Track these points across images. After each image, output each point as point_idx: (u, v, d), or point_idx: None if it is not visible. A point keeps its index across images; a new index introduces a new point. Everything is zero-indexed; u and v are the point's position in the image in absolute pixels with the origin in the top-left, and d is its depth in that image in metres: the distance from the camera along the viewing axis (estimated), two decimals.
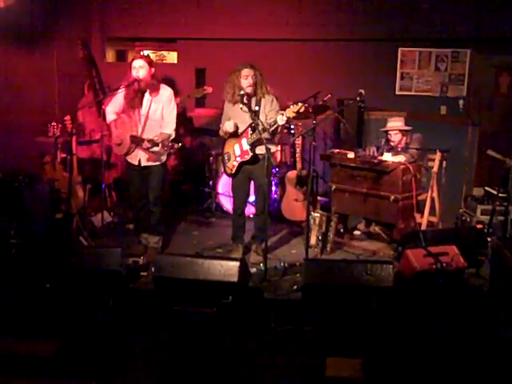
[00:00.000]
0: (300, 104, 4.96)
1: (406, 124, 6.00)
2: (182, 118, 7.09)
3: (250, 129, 5.26)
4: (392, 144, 5.96)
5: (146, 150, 5.26)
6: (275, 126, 5.08)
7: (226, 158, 5.49)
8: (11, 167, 6.20)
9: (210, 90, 6.72)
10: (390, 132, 6.00)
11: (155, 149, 5.20)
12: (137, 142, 5.25)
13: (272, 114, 5.24)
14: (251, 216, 6.13)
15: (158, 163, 5.39)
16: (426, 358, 3.82)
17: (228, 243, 5.77)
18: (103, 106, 6.32)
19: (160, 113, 5.30)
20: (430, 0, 7.32)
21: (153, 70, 5.26)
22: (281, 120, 5.02)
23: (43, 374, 3.63)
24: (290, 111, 4.98)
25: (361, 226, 6.31)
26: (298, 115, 5.11)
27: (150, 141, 5.13)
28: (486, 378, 3.64)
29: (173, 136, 5.28)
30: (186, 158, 7.43)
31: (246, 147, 5.29)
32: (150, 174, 5.42)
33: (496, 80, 7.76)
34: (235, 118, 5.34)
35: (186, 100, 6.91)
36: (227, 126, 5.31)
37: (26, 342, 3.92)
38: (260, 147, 5.22)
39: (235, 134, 5.38)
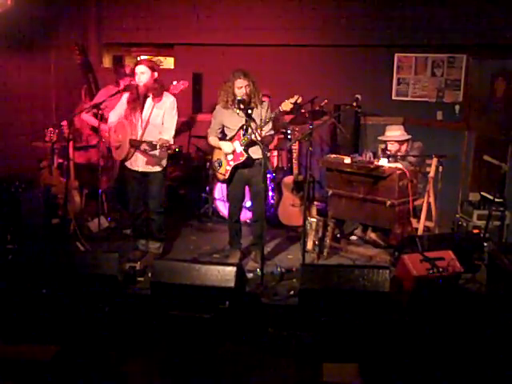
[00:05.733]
0: (296, 96, 4.97)
1: (405, 131, 6.01)
2: (178, 124, 7.08)
3: (241, 131, 5.24)
4: (388, 153, 5.97)
5: (145, 153, 5.25)
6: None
7: (218, 164, 5.43)
8: (8, 172, 6.20)
9: (185, 84, 6.55)
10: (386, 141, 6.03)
11: (154, 152, 5.20)
12: (136, 145, 5.24)
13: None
14: (247, 221, 6.14)
15: (158, 169, 5.36)
16: (424, 361, 3.83)
17: (225, 248, 5.78)
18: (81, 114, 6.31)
19: (161, 118, 5.28)
20: (426, 6, 7.35)
21: (156, 74, 5.26)
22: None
23: (43, 379, 3.63)
24: (287, 104, 4.99)
25: (358, 231, 6.31)
26: (296, 113, 5.12)
27: (148, 143, 5.11)
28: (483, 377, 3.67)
29: (171, 143, 5.27)
30: (182, 163, 7.43)
31: (240, 149, 5.26)
32: (150, 180, 5.39)
33: (492, 85, 7.79)
34: (229, 122, 5.32)
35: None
36: (225, 147, 5.28)
37: (25, 346, 3.92)
38: (256, 151, 5.24)
39: (225, 139, 5.39)
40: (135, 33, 8.01)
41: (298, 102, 5.03)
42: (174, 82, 6.20)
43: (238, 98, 5.12)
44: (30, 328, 4.19)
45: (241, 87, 5.15)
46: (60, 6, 7.47)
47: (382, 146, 6.18)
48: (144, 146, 5.17)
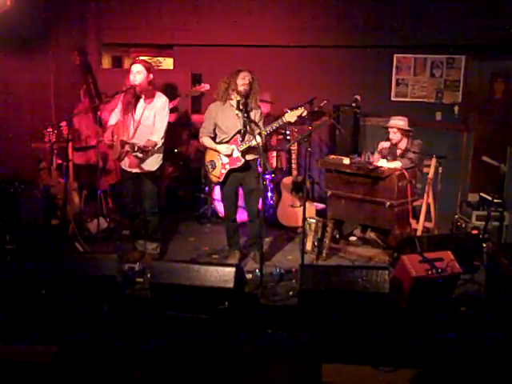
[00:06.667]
0: (301, 109, 4.99)
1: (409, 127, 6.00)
2: (178, 125, 7.10)
3: (239, 136, 5.24)
4: (387, 146, 5.94)
5: (129, 154, 5.23)
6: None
7: (211, 166, 5.39)
8: (7, 173, 6.20)
9: (207, 86, 6.62)
10: (389, 130, 5.99)
11: (136, 154, 5.17)
12: (123, 146, 5.23)
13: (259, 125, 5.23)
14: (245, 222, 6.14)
15: (151, 169, 5.32)
16: (423, 362, 3.83)
17: (224, 249, 5.77)
18: (99, 113, 6.32)
19: (152, 119, 5.24)
20: (424, 6, 7.35)
21: (151, 75, 5.23)
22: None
23: (42, 380, 3.63)
24: (293, 115, 5.00)
25: (357, 231, 6.31)
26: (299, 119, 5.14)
27: (130, 145, 5.11)
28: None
29: (159, 144, 5.22)
30: (181, 164, 7.43)
31: (237, 154, 5.25)
32: (144, 181, 5.37)
33: (491, 86, 7.80)
34: (223, 119, 5.27)
35: (184, 98, 6.93)
36: (222, 150, 5.25)
37: (24, 347, 3.92)
38: (250, 153, 5.24)
39: (219, 142, 5.35)
40: (134, 33, 7.99)
41: (303, 115, 5.05)
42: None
43: (238, 98, 5.12)
44: (30, 329, 4.19)
45: (244, 77, 5.14)
46: (59, 7, 7.47)
47: (380, 146, 6.14)
48: (126, 148, 5.17)
